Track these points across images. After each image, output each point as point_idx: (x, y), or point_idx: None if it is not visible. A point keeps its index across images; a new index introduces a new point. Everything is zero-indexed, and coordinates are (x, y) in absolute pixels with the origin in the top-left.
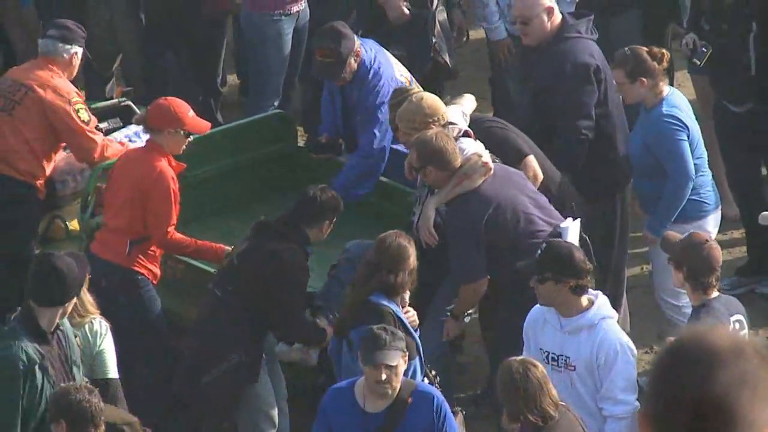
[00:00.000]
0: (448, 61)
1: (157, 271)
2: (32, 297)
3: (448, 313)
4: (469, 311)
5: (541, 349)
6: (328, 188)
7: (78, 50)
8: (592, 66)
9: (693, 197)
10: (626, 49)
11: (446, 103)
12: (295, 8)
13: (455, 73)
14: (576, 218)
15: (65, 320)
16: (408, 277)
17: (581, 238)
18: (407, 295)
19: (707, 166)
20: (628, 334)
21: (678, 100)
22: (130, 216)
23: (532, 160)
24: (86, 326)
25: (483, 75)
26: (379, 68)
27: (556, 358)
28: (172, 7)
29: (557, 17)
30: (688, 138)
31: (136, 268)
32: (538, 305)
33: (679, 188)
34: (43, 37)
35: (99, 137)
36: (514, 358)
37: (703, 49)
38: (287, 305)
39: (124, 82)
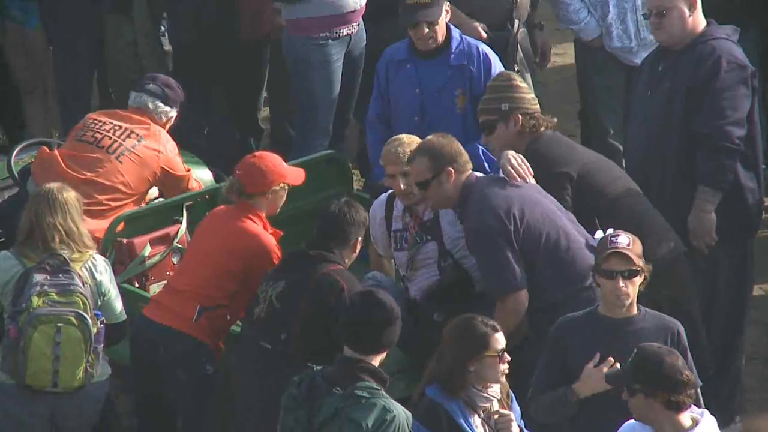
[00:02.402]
0: None
1: (222, 346)
2: (366, 345)
3: None
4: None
5: None
6: (352, 201)
7: (174, 114)
8: (750, 69)
9: None
10: None
11: None
12: (345, 31)
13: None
14: (607, 230)
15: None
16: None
17: None
18: (496, 389)
19: None
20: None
21: None
22: (210, 280)
23: None
24: (89, 263)
25: (571, 108)
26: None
27: None
28: (204, 31)
29: (701, 17)
30: None
31: (201, 338)
32: (631, 421)
33: None
34: (141, 89)
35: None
36: None
37: None
38: None
39: None
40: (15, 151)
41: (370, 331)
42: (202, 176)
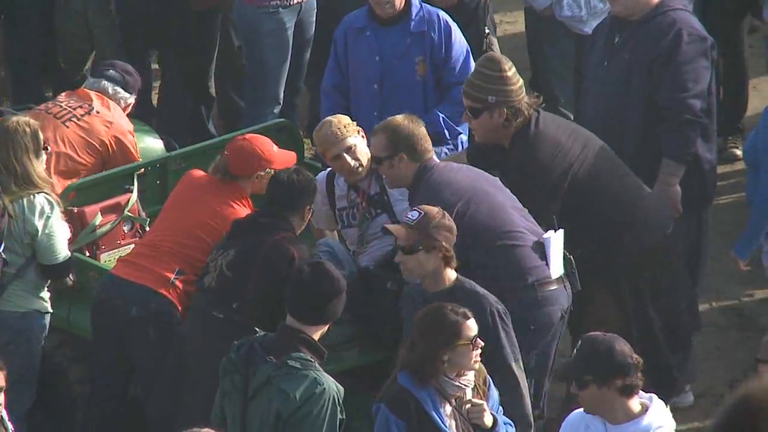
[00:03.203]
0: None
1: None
2: (309, 316)
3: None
4: None
5: None
6: (302, 169)
7: (133, 101)
8: (709, 40)
9: None
10: None
11: None
12: None
13: None
14: (558, 230)
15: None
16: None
17: (565, 258)
18: (469, 377)
19: None
20: (693, 383)
21: None
22: (193, 248)
23: None
24: (25, 199)
25: (522, 77)
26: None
27: None
28: (155, 0)
29: None
30: None
31: (174, 301)
32: (578, 411)
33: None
34: (100, 75)
35: None
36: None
37: None
38: None
39: None
40: None
41: (316, 303)
42: (152, 144)
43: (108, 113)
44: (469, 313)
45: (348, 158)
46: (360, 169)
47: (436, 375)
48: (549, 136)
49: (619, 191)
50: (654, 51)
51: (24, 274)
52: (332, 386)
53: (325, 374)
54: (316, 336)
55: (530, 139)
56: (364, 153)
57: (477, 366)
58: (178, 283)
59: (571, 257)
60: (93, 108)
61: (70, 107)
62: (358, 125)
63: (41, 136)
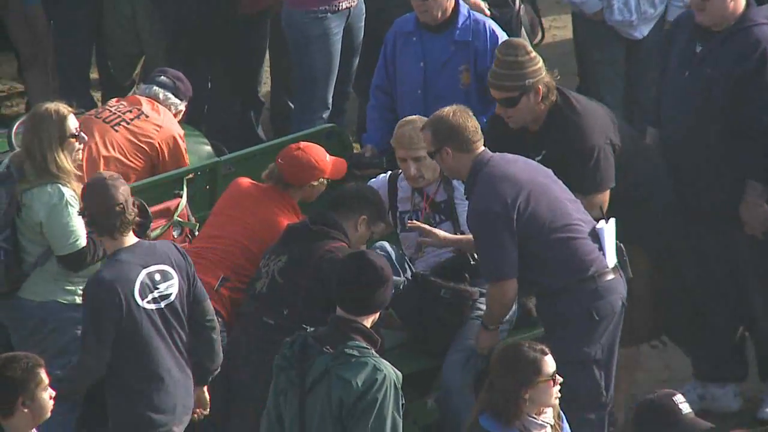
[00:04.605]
0: None
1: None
2: (357, 307)
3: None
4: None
5: None
6: (369, 185)
7: (183, 108)
8: None
9: None
10: None
11: None
12: (344, 4)
13: None
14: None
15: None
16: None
17: (617, 247)
18: (549, 414)
19: None
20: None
21: None
22: (239, 256)
23: None
24: (36, 189)
25: (571, 82)
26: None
27: None
28: (203, 5)
29: None
30: None
31: (218, 308)
32: None
33: None
34: (152, 81)
35: None
36: None
37: None
38: None
39: None
40: (15, 126)
41: (362, 293)
42: (202, 149)
43: (158, 117)
44: (547, 349)
45: (411, 166)
46: (421, 180)
47: (520, 414)
48: (585, 105)
49: (635, 164)
50: (738, 69)
51: (43, 263)
52: (391, 371)
53: (383, 360)
54: (368, 323)
55: (575, 111)
56: (430, 168)
57: (556, 402)
58: (222, 290)
59: (622, 245)
60: (142, 112)
61: (119, 112)
62: None
63: (70, 124)
